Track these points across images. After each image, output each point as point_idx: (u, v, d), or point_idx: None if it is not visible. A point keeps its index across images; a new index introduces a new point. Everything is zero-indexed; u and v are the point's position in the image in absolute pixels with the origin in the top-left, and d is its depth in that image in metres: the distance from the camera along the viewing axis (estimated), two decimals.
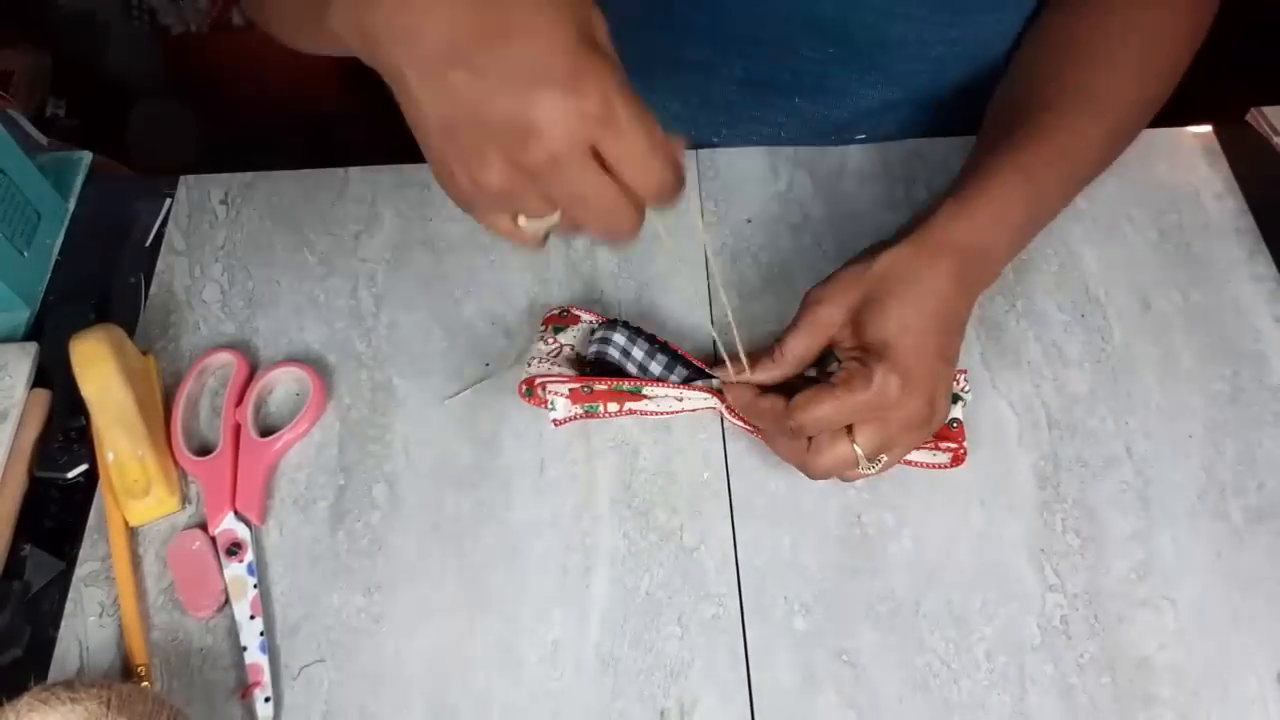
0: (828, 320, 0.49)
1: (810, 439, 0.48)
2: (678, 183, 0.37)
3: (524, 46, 0.33)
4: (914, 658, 0.48)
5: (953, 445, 0.51)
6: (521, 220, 0.38)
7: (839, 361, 0.50)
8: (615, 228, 0.37)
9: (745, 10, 0.61)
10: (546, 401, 0.53)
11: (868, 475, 0.49)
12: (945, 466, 0.52)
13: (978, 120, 0.64)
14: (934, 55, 0.63)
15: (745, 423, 0.53)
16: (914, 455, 0.52)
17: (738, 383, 0.51)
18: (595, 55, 0.34)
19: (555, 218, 0.38)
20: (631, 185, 0.36)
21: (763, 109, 0.66)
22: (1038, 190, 0.51)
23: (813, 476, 0.50)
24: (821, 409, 0.46)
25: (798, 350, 0.49)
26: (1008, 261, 0.52)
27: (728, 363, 0.51)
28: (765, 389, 0.50)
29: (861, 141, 0.66)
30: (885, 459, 0.48)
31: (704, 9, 0.61)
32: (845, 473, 0.49)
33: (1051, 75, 0.55)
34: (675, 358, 0.54)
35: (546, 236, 0.40)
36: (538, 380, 0.53)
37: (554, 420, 0.53)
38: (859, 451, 0.47)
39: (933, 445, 0.51)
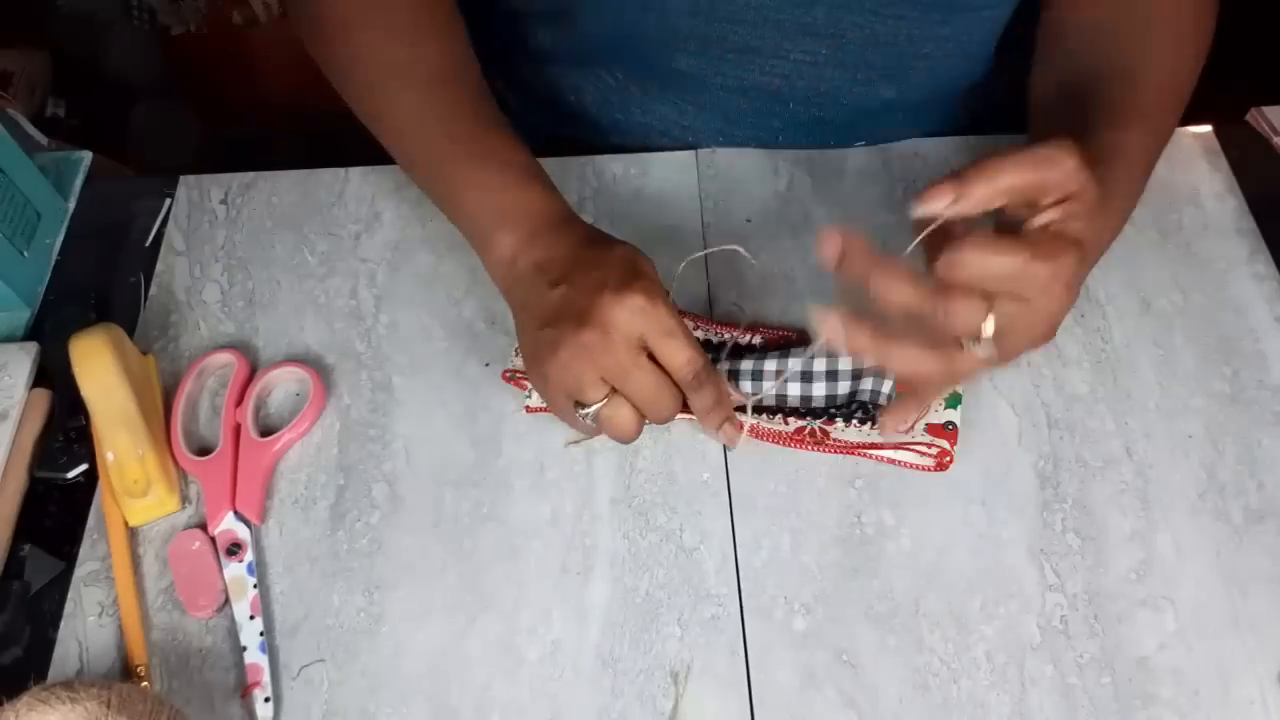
0: (1063, 176, 0.41)
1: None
2: (705, 383, 0.49)
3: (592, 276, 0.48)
4: (914, 658, 0.48)
5: (943, 445, 0.51)
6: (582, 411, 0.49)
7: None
8: (656, 409, 0.49)
9: (736, 18, 0.61)
10: (526, 386, 0.54)
11: (974, 360, 0.44)
12: (929, 469, 0.52)
13: (974, 118, 0.64)
14: (925, 53, 0.63)
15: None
16: (899, 455, 0.52)
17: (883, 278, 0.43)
18: (642, 278, 0.47)
19: (603, 402, 0.48)
20: (670, 369, 0.48)
21: (759, 115, 0.66)
22: (1149, 160, 0.53)
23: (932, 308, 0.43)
24: (1001, 260, 0.41)
25: (1020, 178, 0.41)
26: (1122, 223, 0.52)
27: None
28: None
29: (860, 145, 0.66)
30: (992, 348, 0.43)
31: (696, 17, 0.61)
32: (954, 354, 0.44)
33: (1118, 48, 0.56)
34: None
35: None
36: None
37: (526, 406, 0.54)
38: (989, 325, 0.42)
39: (924, 446, 0.51)
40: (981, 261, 0.41)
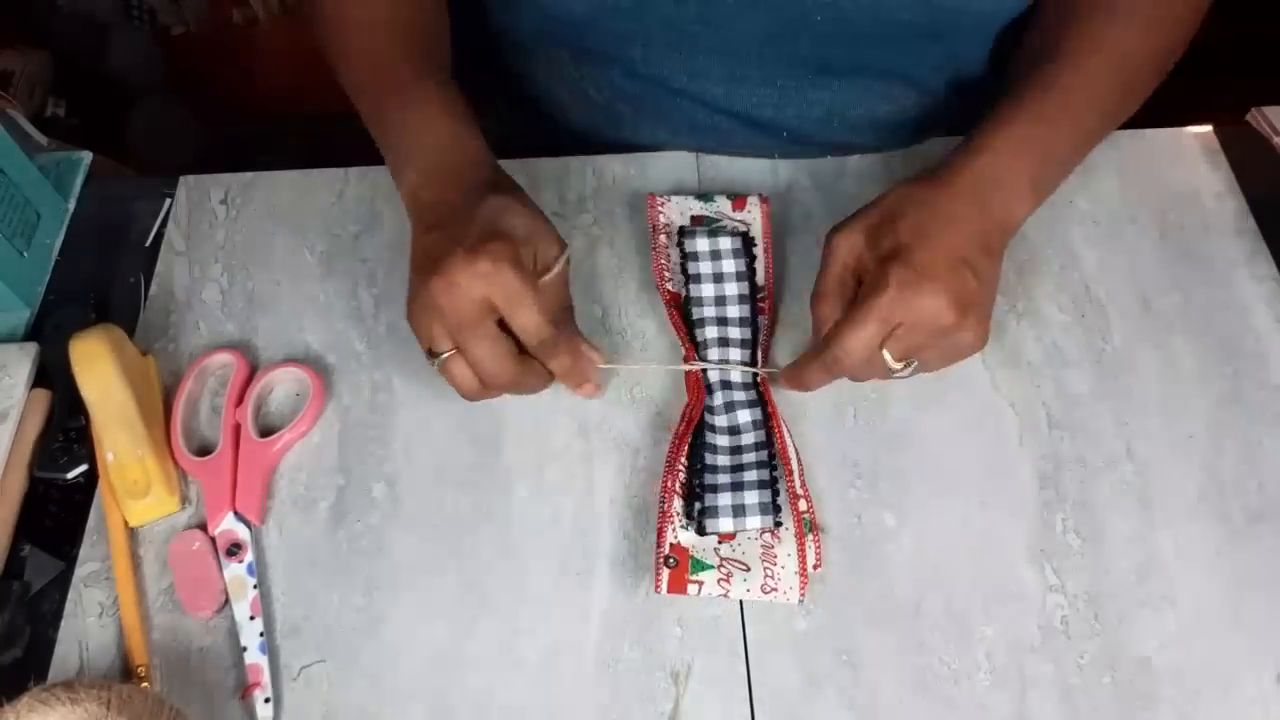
0: (846, 250, 0.50)
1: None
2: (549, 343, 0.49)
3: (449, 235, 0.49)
4: (914, 658, 0.48)
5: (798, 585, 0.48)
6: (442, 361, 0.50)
7: None
8: (491, 376, 0.49)
9: (723, 49, 0.61)
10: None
11: (902, 377, 0.50)
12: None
13: (974, 121, 0.63)
14: (915, 76, 0.64)
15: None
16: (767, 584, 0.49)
17: (793, 370, 0.52)
18: (495, 239, 0.47)
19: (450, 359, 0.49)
20: (518, 336, 0.49)
21: (752, 138, 0.66)
22: (1047, 134, 0.52)
23: (849, 377, 0.51)
24: (853, 333, 0.47)
25: (827, 290, 0.51)
26: (1027, 205, 0.52)
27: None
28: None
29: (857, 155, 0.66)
30: (915, 364, 0.49)
31: (681, 49, 0.61)
32: (876, 375, 0.50)
33: (1058, 29, 0.56)
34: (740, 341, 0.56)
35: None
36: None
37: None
38: (886, 356, 0.48)
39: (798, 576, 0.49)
40: (848, 343, 0.48)
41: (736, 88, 0.63)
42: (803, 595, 0.48)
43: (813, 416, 0.55)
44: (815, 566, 0.50)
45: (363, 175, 0.66)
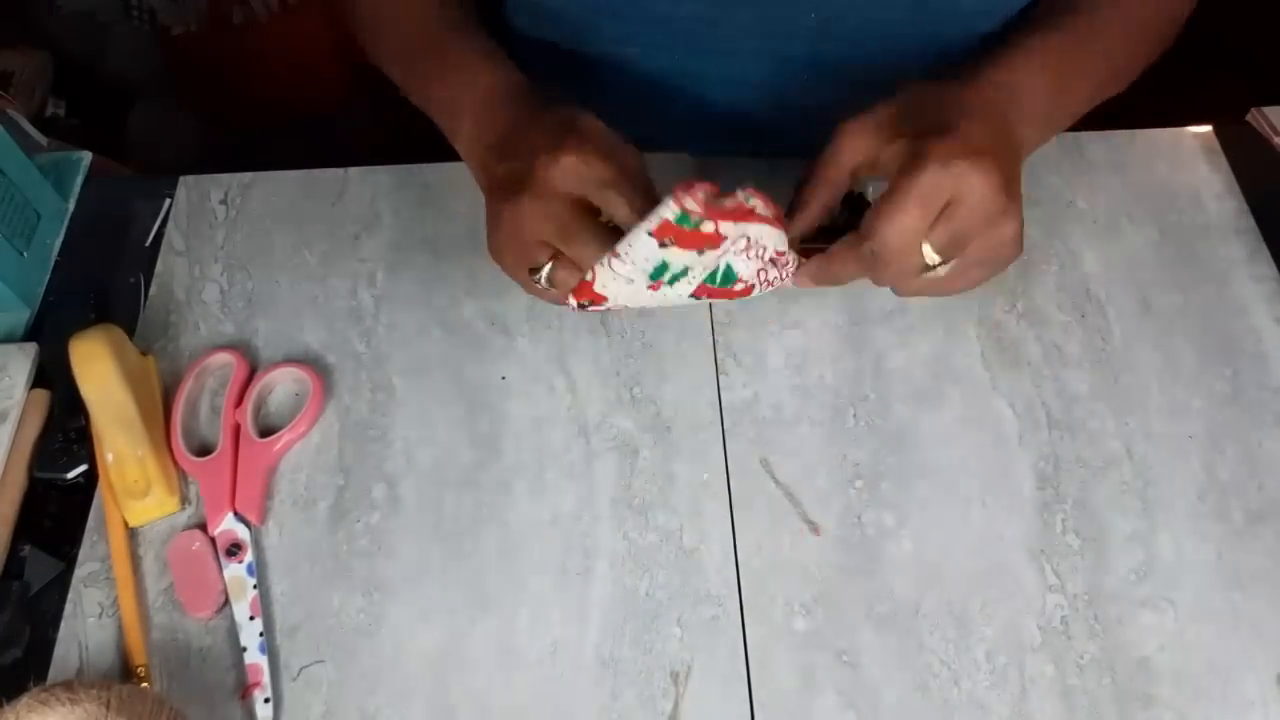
0: (854, 144, 0.46)
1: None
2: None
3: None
4: (914, 658, 0.48)
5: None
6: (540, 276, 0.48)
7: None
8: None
9: (717, 50, 0.61)
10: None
11: (939, 278, 0.45)
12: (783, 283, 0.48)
13: None
14: (913, 77, 0.64)
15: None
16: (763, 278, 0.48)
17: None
18: (574, 133, 0.46)
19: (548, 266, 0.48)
20: (616, 222, 0.46)
21: (752, 139, 0.66)
22: (1062, 69, 0.50)
23: (884, 284, 0.47)
24: (893, 218, 0.42)
25: (823, 176, 0.46)
26: (1039, 133, 0.50)
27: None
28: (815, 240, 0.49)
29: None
30: (956, 263, 0.45)
31: (675, 51, 0.62)
32: (914, 281, 0.46)
33: None
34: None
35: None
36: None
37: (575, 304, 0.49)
38: (926, 250, 0.44)
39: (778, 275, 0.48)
40: (891, 229, 0.43)
41: (733, 89, 0.63)
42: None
43: (813, 417, 0.55)
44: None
45: (363, 175, 0.66)
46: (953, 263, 0.45)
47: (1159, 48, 0.57)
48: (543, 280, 0.48)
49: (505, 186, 0.47)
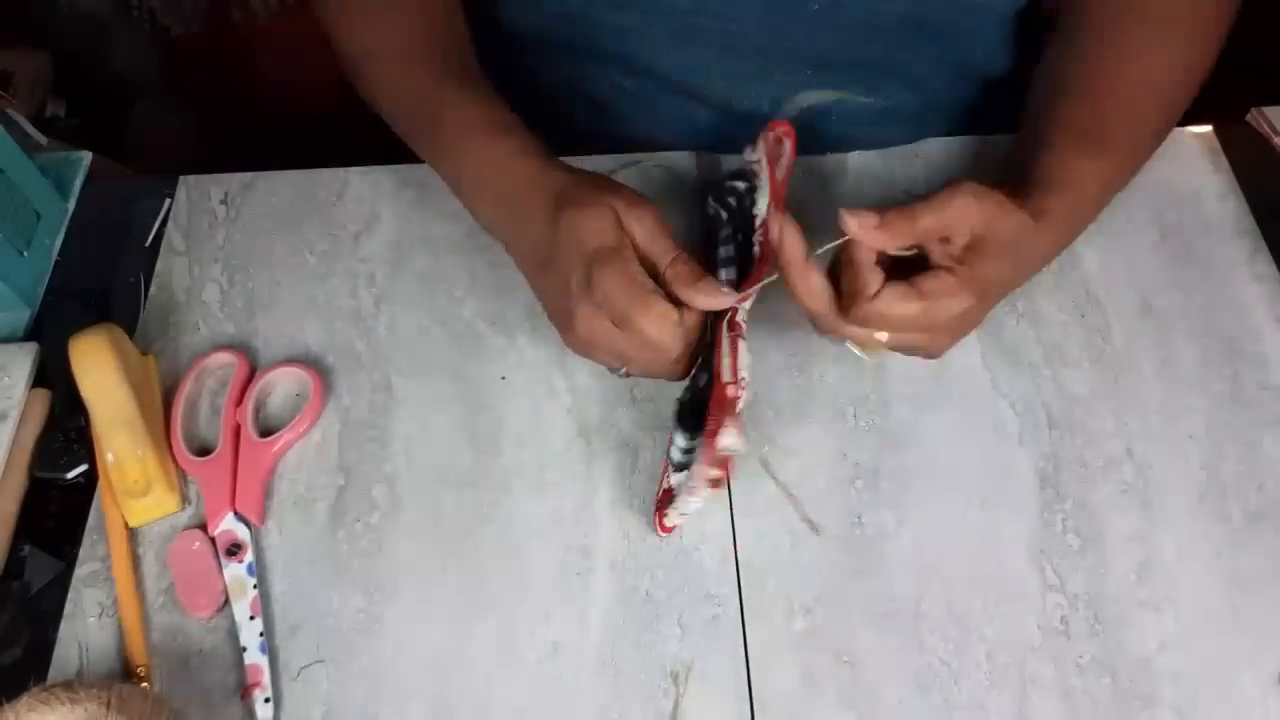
0: (963, 211, 0.46)
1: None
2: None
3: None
4: (914, 658, 0.48)
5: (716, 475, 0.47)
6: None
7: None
8: (660, 371, 0.49)
9: (717, 43, 0.61)
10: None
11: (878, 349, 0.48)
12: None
13: (976, 120, 0.64)
14: (915, 71, 0.64)
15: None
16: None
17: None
18: (596, 262, 0.46)
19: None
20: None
21: (750, 134, 0.66)
22: (1107, 171, 0.53)
23: (821, 327, 0.49)
24: (904, 308, 0.45)
25: (927, 222, 0.46)
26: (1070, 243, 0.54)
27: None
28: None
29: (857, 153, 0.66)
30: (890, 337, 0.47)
31: (676, 44, 0.61)
32: (848, 336, 0.48)
33: (1094, 48, 0.56)
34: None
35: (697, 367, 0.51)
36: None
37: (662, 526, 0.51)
38: (881, 337, 0.47)
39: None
40: (892, 312, 0.45)
41: (735, 83, 0.63)
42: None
43: (813, 417, 0.55)
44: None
45: (363, 175, 0.66)
46: (885, 337, 0.47)
47: (1189, 101, 0.57)
48: (622, 374, 0.51)
49: (554, 312, 0.49)
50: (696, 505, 0.48)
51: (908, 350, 0.49)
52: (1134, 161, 0.56)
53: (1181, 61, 0.55)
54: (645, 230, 0.47)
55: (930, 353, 0.50)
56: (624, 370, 0.50)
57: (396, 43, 0.58)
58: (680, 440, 0.51)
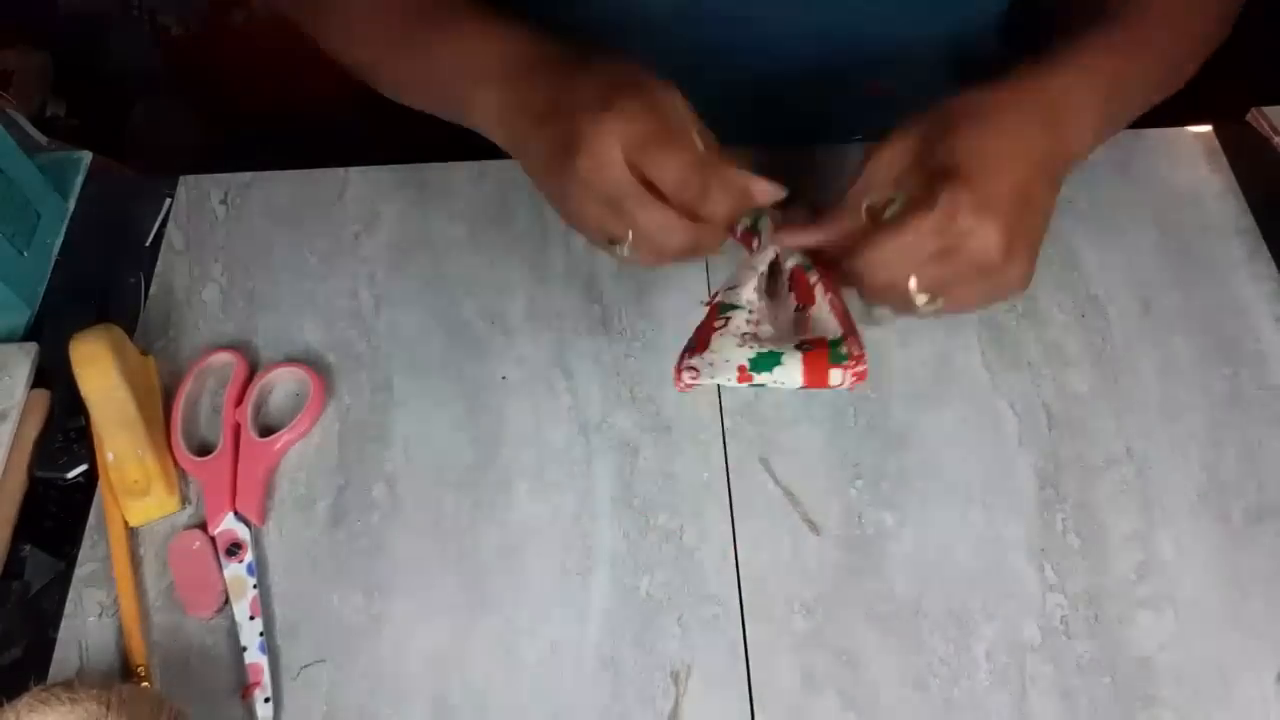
0: (888, 160, 0.44)
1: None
2: (722, 198, 0.44)
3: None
4: (914, 658, 0.48)
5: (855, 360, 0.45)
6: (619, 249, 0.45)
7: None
8: (668, 246, 0.44)
9: (718, 18, 0.60)
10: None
11: (924, 314, 0.44)
12: (849, 386, 0.47)
13: None
14: (917, 50, 0.63)
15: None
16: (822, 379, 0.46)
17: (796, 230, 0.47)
18: (619, 91, 0.42)
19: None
20: (672, 200, 0.43)
21: (752, 115, 0.65)
22: (1121, 67, 0.48)
23: (867, 301, 0.46)
24: (879, 250, 0.42)
25: (860, 192, 0.45)
26: (1095, 136, 0.48)
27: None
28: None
29: (859, 140, 0.66)
30: (942, 301, 0.43)
31: (677, 19, 0.61)
32: (899, 308, 0.45)
33: None
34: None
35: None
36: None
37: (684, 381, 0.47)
38: (912, 285, 0.42)
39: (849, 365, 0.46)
40: (872, 258, 0.43)
41: (735, 58, 0.63)
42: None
43: (813, 416, 0.55)
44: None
45: (363, 175, 0.66)
46: (939, 301, 0.44)
47: (1207, 51, 0.54)
48: (624, 253, 0.44)
49: (554, 156, 0.43)
50: (728, 376, 0.45)
51: (947, 295, 0.44)
52: (1154, 77, 0.51)
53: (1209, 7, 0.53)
54: (680, 114, 0.44)
55: (963, 301, 0.44)
56: (624, 249, 0.44)
57: None
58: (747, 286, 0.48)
